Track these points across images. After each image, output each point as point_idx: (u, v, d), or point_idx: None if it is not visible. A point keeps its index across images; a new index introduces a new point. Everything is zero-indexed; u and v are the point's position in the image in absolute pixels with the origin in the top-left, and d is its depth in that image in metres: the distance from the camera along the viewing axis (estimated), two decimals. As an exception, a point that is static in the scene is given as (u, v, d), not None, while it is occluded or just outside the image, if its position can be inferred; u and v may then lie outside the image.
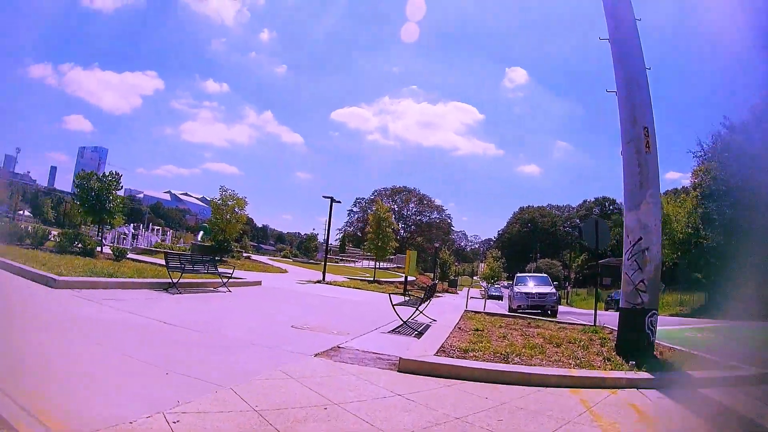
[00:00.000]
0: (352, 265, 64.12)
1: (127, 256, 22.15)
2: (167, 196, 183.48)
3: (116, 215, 27.31)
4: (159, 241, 48.51)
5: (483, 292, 67.28)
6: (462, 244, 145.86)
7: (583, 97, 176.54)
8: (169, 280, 13.86)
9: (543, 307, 23.51)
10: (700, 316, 26.60)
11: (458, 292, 56.49)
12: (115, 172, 26.98)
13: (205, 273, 16.25)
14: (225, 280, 16.23)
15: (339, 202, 29.60)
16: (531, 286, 25.52)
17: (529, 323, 14.15)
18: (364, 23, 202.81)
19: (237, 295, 15.45)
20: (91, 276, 12.90)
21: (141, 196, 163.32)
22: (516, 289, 25.73)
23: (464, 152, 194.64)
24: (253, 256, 49.36)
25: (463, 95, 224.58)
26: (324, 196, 29.20)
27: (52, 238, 23.81)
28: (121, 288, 12.40)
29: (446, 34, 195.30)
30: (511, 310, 23.20)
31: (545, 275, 31.24)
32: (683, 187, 49.37)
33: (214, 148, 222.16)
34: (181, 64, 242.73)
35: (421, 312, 13.01)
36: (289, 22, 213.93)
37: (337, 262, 72.05)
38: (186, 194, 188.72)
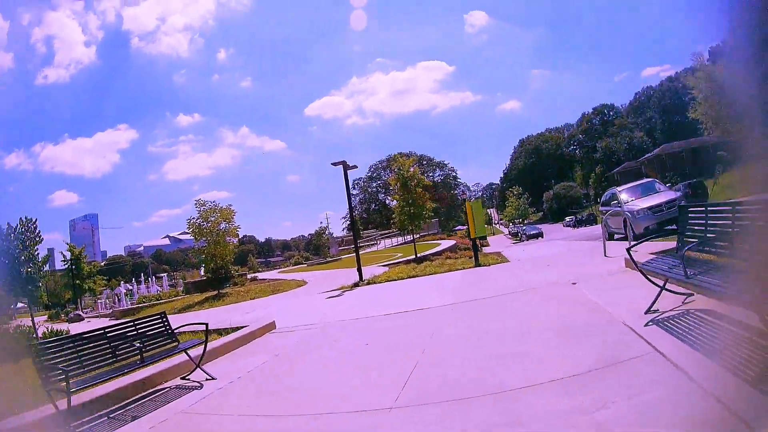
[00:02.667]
0: (375, 248, 55.12)
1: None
2: (166, 241, 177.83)
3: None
4: (158, 291, 40.06)
5: (518, 236, 59.93)
6: (467, 195, 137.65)
7: (546, 20, 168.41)
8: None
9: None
10: None
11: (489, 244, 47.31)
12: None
13: (148, 358, 7.12)
14: (196, 360, 7.45)
15: (355, 167, 20.77)
16: (648, 198, 17.21)
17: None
18: (314, 12, 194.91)
19: (220, 389, 6.73)
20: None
21: (141, 248, 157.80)
22: (629, 207, 17.04)
23: (443, 108, 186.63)
24: (261, 275, 40.68)
25: (428, 53, 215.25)
26: (333, 163, 20.50)
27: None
28: None
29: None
30: (636, 237, 14.85)
31: (651, 179, 22.61)
32: None
33: (201, 178, 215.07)
34: (149, 107, 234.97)
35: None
36: (242, 35, 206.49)
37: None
38: (183, 233, 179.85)
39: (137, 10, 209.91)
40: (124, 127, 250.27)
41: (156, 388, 7.11)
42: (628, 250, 7.45)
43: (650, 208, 16.73)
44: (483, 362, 5.89)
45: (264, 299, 19.97)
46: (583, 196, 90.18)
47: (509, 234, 76.61)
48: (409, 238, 56.29)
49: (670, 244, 9.26)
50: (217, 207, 26.54)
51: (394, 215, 30.44)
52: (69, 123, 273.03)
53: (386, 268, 23.86)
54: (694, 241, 6.11)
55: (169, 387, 7.16)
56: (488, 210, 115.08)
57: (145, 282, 46.16)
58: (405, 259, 27.73)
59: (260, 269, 77.13)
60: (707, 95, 38.29)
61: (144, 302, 30.46)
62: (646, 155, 78.42)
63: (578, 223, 62.89)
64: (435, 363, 6.35)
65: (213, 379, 7.14)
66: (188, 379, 7.41)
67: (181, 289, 36.31)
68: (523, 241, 52.85)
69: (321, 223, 59.68)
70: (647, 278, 6.42)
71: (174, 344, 7.53)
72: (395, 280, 18.13)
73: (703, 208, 6.52)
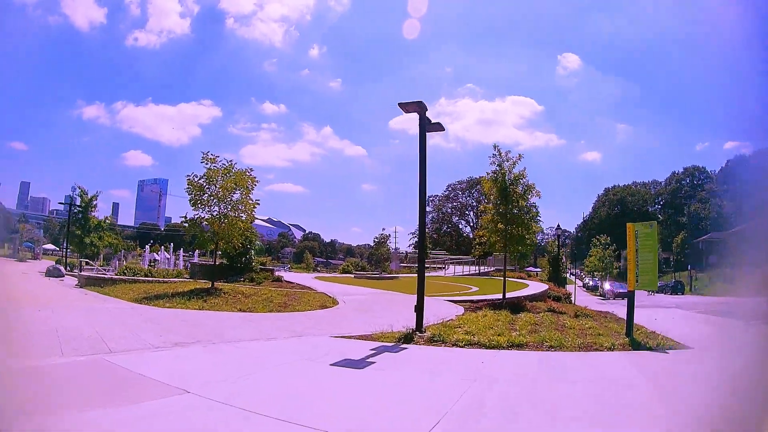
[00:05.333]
0: (442, 273, 45.93)
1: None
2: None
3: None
4: (173, 267, 32.61)
5: (602, 293, 48.78)
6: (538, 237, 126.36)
7: (638, 76, 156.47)
8: None
9: None
10: None
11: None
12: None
13: None
14: None
15: (439, 128, 11.91)
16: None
17: None
18: (413, 26, 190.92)
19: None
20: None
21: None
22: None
23: (526, 146, 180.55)
24: (291, 275, 32.25)
25: (519, 88, 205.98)
26: (402, 104, 11.49)
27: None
28: None
29: (493, 27, 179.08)
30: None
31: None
32: None
33: (276, 168, 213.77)
34: (236, 89, 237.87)
35: None
36: (337, 36, 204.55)
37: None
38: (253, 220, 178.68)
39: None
40: (209, 103, 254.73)
41: None
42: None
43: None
44: None
45: (242, 327, 11.35)
46: (663, 261, 79.02)
47: (584, 287, 65.51)
48: (484, 268, 46.60)
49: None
50: (232, 166, 18.20)
51: (480, 234, 21.26)
52: (154, 88, 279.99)
53: (459, 309, 14.93)
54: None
55: None
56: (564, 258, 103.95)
57: (174, 254, 38.77)
58: (484, 297, 18.66)
59: (293, 268, 69.59)
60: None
61: (124, 274, 22.92)
62: (732, 229, 66.44)
63: (673, 290, 51.43)
64: None
65: None
66: None
67: (188, 268, 28.37)
68: (608, 299, 42.39)
69: (383, 229, 49.84)
70: None
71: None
72: (481, 345, 9.27)
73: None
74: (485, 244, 20.72)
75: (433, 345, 9.29)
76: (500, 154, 17.77)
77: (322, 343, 9.35)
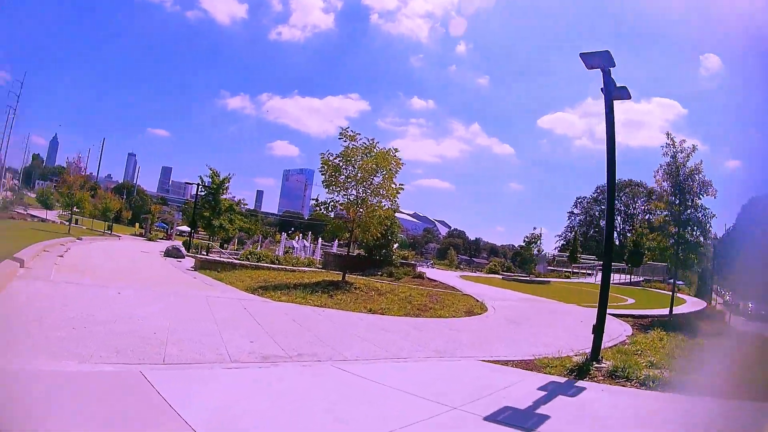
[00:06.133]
0: (591, 280, 41.66)
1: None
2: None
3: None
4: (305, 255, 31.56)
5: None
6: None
7: None
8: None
9: None
10: None
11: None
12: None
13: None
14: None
15: (629, 97, 8.01)
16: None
17: None
18: (559, 24, 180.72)
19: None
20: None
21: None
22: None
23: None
24: (434, 272, 29.65)
25: (662, 90, 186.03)
26: (584, 54, 7.65)
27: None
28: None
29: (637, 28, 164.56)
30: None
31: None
32: None
33: (425, 164, 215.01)
34: (384, 84, 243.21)
35: None
36: (483, 32, 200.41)
37: (568, 277, 48.97)
38: (397, 210, 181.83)
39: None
40: (356, 96, 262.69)
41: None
42: None
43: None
44: None
45: (367, 336, 8.71)
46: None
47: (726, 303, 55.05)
48: (634, 277, 42.12)
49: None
50: (374, 145, 15.73)
51: (650, 237, 17.16)
52: (299, 81, 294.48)
53: (626, 327, 12.46)
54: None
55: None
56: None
57: (313, 243, 38.64)
58: (647, 313, 16.17)
59: (436, 264, 67.02)
60: None
61: (248, 259, 21.29)
62: None
63: None
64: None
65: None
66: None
67: (321, 258, 26.75)
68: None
69: (534, 229, 45.72)
70: None
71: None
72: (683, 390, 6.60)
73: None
74: (652, 250, 17.01)
75: (617, 383, 6.65)
76: (673, 144, 15.26)
77: (468, 372, 6.79)
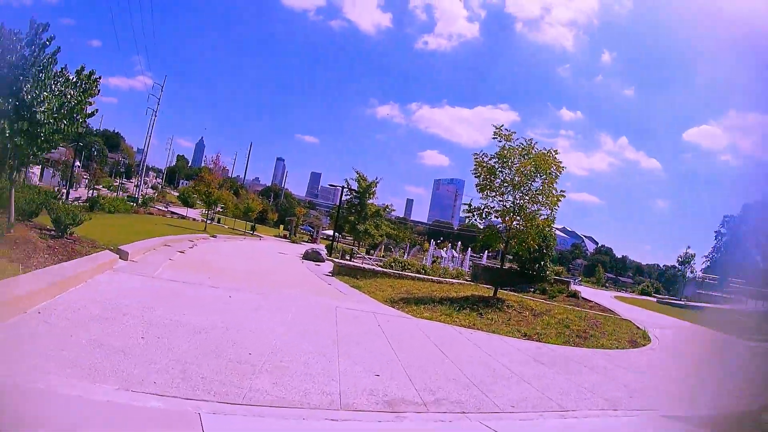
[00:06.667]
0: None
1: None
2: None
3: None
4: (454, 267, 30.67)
5: None
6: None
7: None
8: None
9: None
10: None
11: None
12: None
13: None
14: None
15: None
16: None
17: None
18: (692, 28, 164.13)
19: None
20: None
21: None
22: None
23: None
24: (586, 290, 27.84)
25: None
26: None
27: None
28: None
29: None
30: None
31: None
32: None
33: (573, 177, 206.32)
34: (532, 94, 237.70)
35: None
36: (625, 40, 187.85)
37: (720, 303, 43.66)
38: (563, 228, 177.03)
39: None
40: (505, 107, 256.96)
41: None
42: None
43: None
44: None
45: (520, 372, 7.49)
46: None
47: None
48: None
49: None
50: (532, 147, 14.70)
51: None
52: (448, 90, 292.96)
53: None
54: None
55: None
56: None
57: (462, 253, 37.16)
58: None
59: (583, 282, 62.94)
60: None
61: (391, 267, 20.40)
62: None
63: None
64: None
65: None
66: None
67: (469, 269, 26.06)
68: None
69: (688, 248, 41.36)
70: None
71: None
72: None
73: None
74: None
75: None
76: None
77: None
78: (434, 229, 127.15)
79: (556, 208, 14.71)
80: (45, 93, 8.17)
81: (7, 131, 7.61)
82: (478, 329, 10.40)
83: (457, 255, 36.94)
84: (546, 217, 14.66)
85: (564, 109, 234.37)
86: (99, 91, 9.66)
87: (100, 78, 9.58)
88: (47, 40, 8.21)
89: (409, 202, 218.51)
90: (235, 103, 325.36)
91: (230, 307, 8.07)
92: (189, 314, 6.80)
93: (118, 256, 10.26)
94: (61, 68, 8.96)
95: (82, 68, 9.34)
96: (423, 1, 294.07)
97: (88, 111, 9.63)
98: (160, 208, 51.74)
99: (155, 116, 52.03)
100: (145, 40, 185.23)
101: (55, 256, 8.03)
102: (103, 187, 58.54)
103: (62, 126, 8.78)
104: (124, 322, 5.79)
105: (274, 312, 8.50)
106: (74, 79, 9.14)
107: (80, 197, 33.54)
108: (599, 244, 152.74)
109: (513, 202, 14.39)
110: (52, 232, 9.88)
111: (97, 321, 5.63)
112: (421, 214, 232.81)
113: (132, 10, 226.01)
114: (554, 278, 21.76)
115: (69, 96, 8.81)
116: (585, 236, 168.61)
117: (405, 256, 32.12)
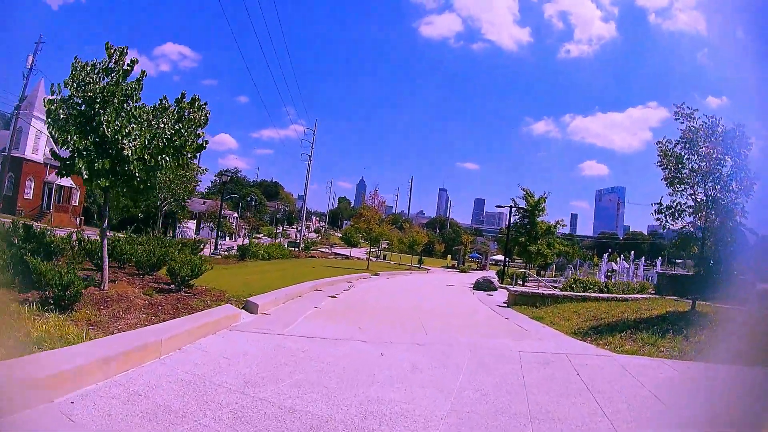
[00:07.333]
0: None
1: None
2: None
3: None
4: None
5: None
6: None
7: None
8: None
9: None
10: None
11: None
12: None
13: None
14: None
15: None
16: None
17: None
18: None
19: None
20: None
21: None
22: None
23: None
24: None
25: None
26: None
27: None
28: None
29: None
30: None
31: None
32: None
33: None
34: (675, 86, 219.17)
35: None
36: (754, 13, 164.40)
37: None
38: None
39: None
40: (654, 104, 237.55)
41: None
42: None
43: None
44: None
45: None
46: None
47: None
48: None
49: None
50: (718, 123, 11.19)
51: None
52: (597, 97, 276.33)
53: None
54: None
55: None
56: None
57: (634, 263, 33.43)
58: None
59: None
60: None
61: (572, 289, 17.15)
62: None
63: None
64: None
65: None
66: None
67: (654, 282, 21.93)
68: None
69: None
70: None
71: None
72: None
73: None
74: None
75: None
76: None
77: None
78: (600, 241, 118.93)
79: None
80: (132, 125, 7.24)
81: (85, 172, 6.75)
82: (690, 360, 7.37)
83: (628, 265, 33.21)
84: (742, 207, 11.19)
85: (710, 97, 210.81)
86: (207, 120, 8.52)
87: (205, 104, 8.46)
88: (128, 65, 7.33)
89: (573, 217, 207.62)
90: (391, 140, 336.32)
91: (377, 374, 5.54)
92: (312, 392, 4.72)
93: (243, 309, 8.75)
94: (160, 99, 8.07)
95: (183, 95, 8.28)
96: (556, 9, 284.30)
97: (198, 143, 8.47)
98: (323, 250, 52.35)
99: (311, 160, 53.54)
100: (288, 90, 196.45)
101: (155, 316, 6.68)
102: (264, 235, 61.36)
103: (162, 162, 7.75)
104: (200, 417, 3.85)
105: (438, 375, 5.85)
106: (174, 109, 8.12)
107: (232, 247, 33.97)
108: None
109: (705, 194, 11.39)
110: (172, 287, 8.90)
111: (154, 417, 3.74)
112: (584, 227, 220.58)
113: (269, 60, 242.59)
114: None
115: (163, 126, 7.70)
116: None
117: (579, 274, 28.91)
